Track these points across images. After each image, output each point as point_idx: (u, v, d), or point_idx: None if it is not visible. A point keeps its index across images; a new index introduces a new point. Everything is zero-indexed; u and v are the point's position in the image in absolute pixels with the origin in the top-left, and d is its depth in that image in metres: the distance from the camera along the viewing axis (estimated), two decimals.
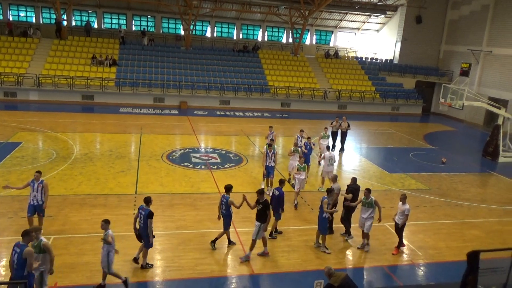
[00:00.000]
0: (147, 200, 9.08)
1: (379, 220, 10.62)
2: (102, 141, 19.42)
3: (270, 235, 11.03)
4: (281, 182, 11.09)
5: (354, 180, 11.69)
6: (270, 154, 14.24)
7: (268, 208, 9.81)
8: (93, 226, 10.84)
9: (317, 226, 10.70)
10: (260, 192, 9.85)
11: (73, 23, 33.82)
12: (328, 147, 15.93)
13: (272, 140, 15.49)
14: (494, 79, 30.41)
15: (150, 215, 8.89)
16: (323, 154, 15.56)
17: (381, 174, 17.49)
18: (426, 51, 36.26)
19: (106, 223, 8.15)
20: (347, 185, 11.66)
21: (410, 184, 16.49)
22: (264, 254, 10.10)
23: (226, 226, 10.24)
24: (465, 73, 30.53)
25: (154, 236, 9.23)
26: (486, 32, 31.07)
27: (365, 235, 10.81)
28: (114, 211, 11.95)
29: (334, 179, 11.95)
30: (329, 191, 10.76)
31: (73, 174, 14.81)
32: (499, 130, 21.42)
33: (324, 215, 10.42)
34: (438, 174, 18.15)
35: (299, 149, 15.20)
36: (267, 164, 14.25)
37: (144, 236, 9.02)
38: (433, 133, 27.54)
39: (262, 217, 9.81)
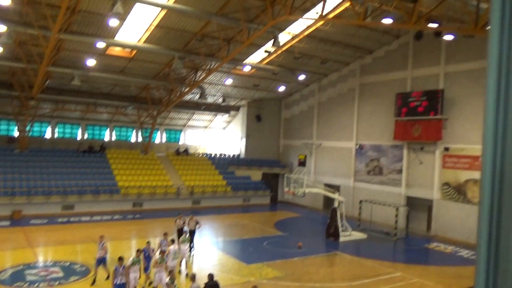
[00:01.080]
0: None
1: None
2: None
3: None
4: None
5: (210, 276, 11.35)
6: (120, 269, 12.11)
7: None
8: None
9: None
10: None
11: None
12: (173, 240, 15.16)
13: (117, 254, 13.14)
14: (326, 167, 34.37)
15: None
16: (167, 249, 14.60)
17: (239, 266, 17.41)
18: (268, 145, 39.56)
19: None
20: (205, 283, 11.23)
21: (267, 272, 16.70)
22: None
23: None
24: (302, 163, 34.38)
25: None
26: (315, 128, 35.68)
27: None
28: None
29: (193, 278, 11.41)
30: None
31: None
32: (336, 212, 23.79)
33: None
34: (291, 259, 18.87)
35: (166, 258, 13.62)
36: (116, 282, 12.02)
37: None
38: (282, 220, 29.11)
39: None
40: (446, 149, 25.49)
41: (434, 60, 26.42)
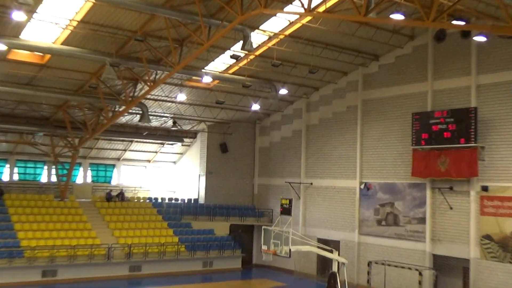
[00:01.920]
0: None
1: None
2: None
3: None
4: None
5: None
6: None
7: None
8: None
9: None
10: None
11: None
12: None
13: None
14: (320, 216, 34.18)
15: None
16: None
17: None
18: (238, 186, 39.31)
19: None
20: None
21: None
22: None
23: None
24: (286, 211, 32.49)
25: None
26: (303, 161, 35.65)
27: None
28: None
29: None
30: None
31: None
32: (336, 279, 23.75)
33: None
34: None
35: None
36: None
37: None
38: None
39: None
40: (485, 188, 25.67)
41: (462, 69, 27.02)
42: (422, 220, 28.24)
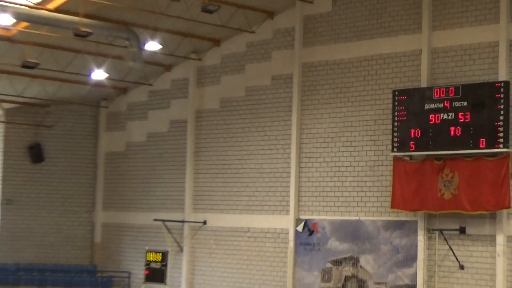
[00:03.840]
0: None
1: None
2: None
3: None
4: None
5: None
6: None
7: None
8: None
9: None
10: None
11: None
12: None
13: None
14: (220, 284, 33.36)
15: None
16: None
17: None
18: (64, 229, 38.34)
19: None
20: None
21: None
22: None
23: None
24: (156, 275, 34.57)
25: None
26: (189, 182, 34.44)
27: None
28: None
29: None
30: None
31: None
32: None
33: None
34: None
35: None
36: None
37: None
38: None
39: None
40: None
41: (484, 10, 26.34)
42: None
